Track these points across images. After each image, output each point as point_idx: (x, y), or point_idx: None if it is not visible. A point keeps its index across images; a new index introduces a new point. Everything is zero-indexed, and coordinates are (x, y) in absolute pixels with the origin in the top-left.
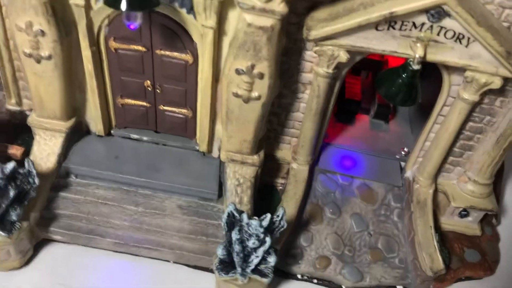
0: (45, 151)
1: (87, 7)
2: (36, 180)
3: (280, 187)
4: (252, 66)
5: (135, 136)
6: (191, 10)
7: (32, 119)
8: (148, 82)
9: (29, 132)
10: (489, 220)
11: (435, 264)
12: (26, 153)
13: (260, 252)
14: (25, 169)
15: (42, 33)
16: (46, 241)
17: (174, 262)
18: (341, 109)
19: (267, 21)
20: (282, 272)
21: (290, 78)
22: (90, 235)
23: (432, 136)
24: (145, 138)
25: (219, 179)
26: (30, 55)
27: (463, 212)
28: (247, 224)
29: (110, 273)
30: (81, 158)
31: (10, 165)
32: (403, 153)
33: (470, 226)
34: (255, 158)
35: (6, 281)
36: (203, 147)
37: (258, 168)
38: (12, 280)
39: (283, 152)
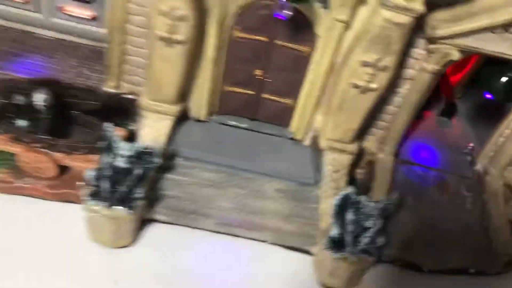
0: (154, 133)
1: None
2: (157, 160)
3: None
4: (379, 59)
5: (233, 123)
6: (325, 4)
7: (144, 102)
8: (259, 71)
9: (122, 115)
10: None
11: (510, 249)
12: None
13: (371, 233)
14: (149, 149)
15: (183, 18)
16: (149, 220)
17: (271, 243)
18: None
19: (405, 18)
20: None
21: (397, 74)
22: (193, 215)
23: (507, 132)
24: (242, 125)
25: (315, 166)
26: (163, 39)
27: None
28: (367, 205)
29: (211, 252)
30: (187, 141)
31: (139, 145)
32: (469, 147)
33: None
34: (353, 147)
35: (115, 258)
36: (299, 135)
37: (354, 156)
38: (120, 257)
39: (367, 143)
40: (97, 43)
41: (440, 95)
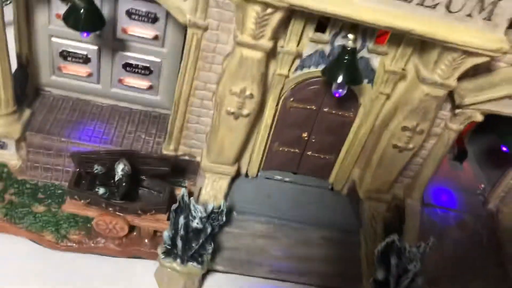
0: (214, 191)
1: (287, 76)
2: (224, 218)
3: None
4: (417, 125)
5: (278, 177)
6: (371, 80)
7: (205, 164)
8: (306, 133)
9: (178, 175)
10: None
11: None
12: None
13: (412, 274)
14: (219, 209)
15: (251, 96)
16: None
17: (317, 286)
18: None
19: (441, 92)
20: None
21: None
22: (248, 264)
23: None
24: (286, 179)
25: (355, 214)
26: (232, 113)
27: None
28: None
29: None
30: (240, 196)
31: (211, 206)
32: (481, 188)
33: None
34: (389, 197)
35: None
36: (338, 187)
37: (388, 204)
38: None
39: (395, 190)
40: (150, 109)
41: (457, 144)
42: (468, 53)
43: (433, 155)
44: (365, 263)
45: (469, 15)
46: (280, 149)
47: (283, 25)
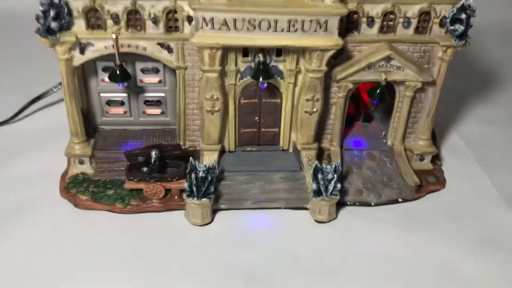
0: (210, 160)
1: (235, 84)
2: (217, 171)
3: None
4: (313, 96)
5: (248, 149)
6: (282, 77)
7: (202, 147)
8: (257, 117)
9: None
10: (436, 160)
11: (414, 179)
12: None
13: (333, 182)
14: (212, 165)
15: (217, 99)
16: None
17: (284, 208)
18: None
19: (319, 74)
20: (338, 202)
21: (326, 102)
22: (239, 201)
23: (396, 119)
24: (253, 149)
25: (298, 160)
26: (209, 111)
27: (420, 157)
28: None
29: (253, 219)
30: (227, 162)
31: (208, 163)
32: (384, 134)
33: (426, 164)
34: (315, 145)
35: (205, 229)
36: (286, 147)
37: (316, 150)
38: (208, 228)
39: (324, 144)
40: (164, 127)
41: (362, 111)
42: (322, 50)
43: (336, 115)
44: (308, 188)
45: (315, 31)
46: (244, 131)
47: (225, 55)
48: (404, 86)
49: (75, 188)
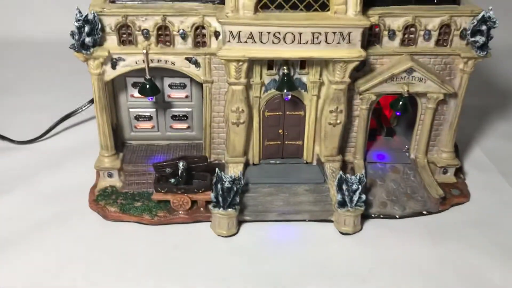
0: (236, 173)
1: (259, 97)
2: (242, 182)
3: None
4: (337, 108)
5: (272, 162)
6: (305, 89)
7: (227, 159)
8: (281, 130)
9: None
10: (460, 174)
11: (438, 191)
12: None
13: (357, 193)
14: (237, 176)
15: (242, 111)
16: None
17: (309, 220)
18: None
19: (342, 86)
20: (363, 215)
21: (349, 114)
22: (264, 213)
23: (419, 132)
24: (277, 162)
25: (321, 172)
26: (234, 123)
27: (444, 170)
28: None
29: (278, 230)
30: (252, 175)
31: (233, 174)
32: (406, 147)
33: (450, 177)
34: (339, 157)
35: (230, 240)
36: (308, 159)
37: (340, 162)
38: (232, 239)
39: (347, 156)
40: (190, 141)
41: (383, 125)
42: (345, 62)
43: (360, 128)
44: (333, 200)
45: (339, 43)
46: (268, 143)
47: (250, 68)
48: (426, 98)
49: (104, 200)
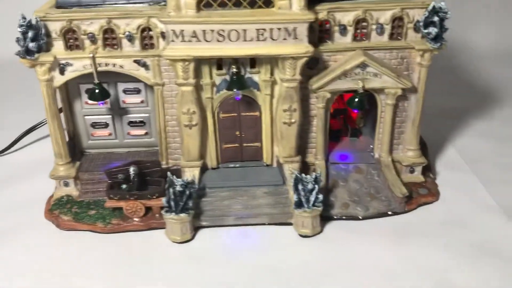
0: (190, 177)
1: (211, 98)
2: (196, 186)
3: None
4: (290, 106)
5: (231, 165)
6: (258, 88)
7: (183, 163)
8: (238, 132)
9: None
10: (429, 173)
11: (402, 189)
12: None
13: (314, 193)
14: (190, 180)
15: (194, 112)
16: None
17: (268, 224)
18: (332, 135)
19: (294, 84)
20: (324, 216)
21: (306, 113)
22: (221, 217)
23: (381, 130)
24: (237, 165)
25: (280, 174)
26: (186, 126)
27: (410, 169)
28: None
29: (236, 235)
30: (209, 179)
31: (187, 179)
32: (371, 147)
33: (417, 176)
34: (297, 158)
35: (185, 246)
36: (268, 161)
37: (299, 163)
38: (187, 245)
39: (309, 158)
40: (149, 148)
41: (349, 126)
42: (294, 58)
43: (318, 127)
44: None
45: (285, 39)
46: (226, 146)
47: (199, 68)
48: (384, 94)
49: (58, 209)
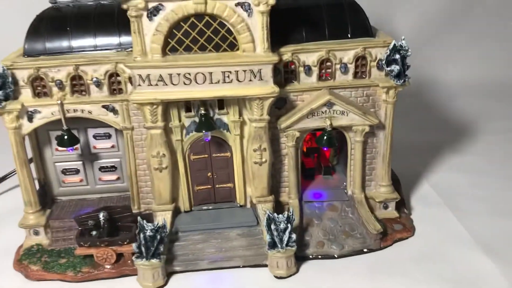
0: (161, 221)
1: (181, 140)
2: (167, 230)
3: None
4: (260, 146)
5: (204, 208)
6: (228, 129)
7: (154, 207)
8: (210, 173)
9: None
10: (403, 209)
11: (376, 226)
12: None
13: (287, 233)
14: (162, 224)
15: (164, 155)
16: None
17: (243, 266)
18: (306, 174)
19: (262, 123)
20: (299, 256)
21: (277, 152)
22: (194, 261)
23: (352, 167)
24: (210, 207)
25: (254, 215)
26: (157, 169)
27: (384, 205)
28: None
29: (210, 281)
30: (181, 222)
31: (158, 223)
32: (344, 184)
33: (391, 212)
34: (270, 198)
35: None
36: (241, 202)
37: (272, 203)
38: None
39: (282, 197)
40: (122, 193)
41: (322, 164)
42: (260, 98)
43: (290, 166)
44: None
45: (251, 80)
46: (198, 188)
47: (167, 111)
48: (353, 132)
49: (27, 259)
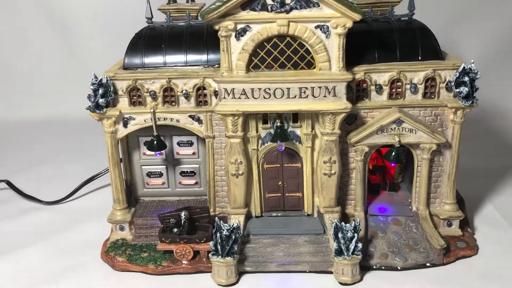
0: (236, 223)
1: (257, 149)
2: (240, 231)
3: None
4: (330, 158)
5: (274, 214)
6: (300, 141)
7: (229, 211)
8: (280, 182)
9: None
10: (467, 228)
11: (440, 241)
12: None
13: (353, 241)
14: (236, 225)
15: (241, 163)
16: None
17: (309, 271)
18: (371, 189)
19: (333, 137)
20: (363, 266)
21: (345, 166)
22: (264, 263)
23: (418, 184)
24: (279, 214)
25: (321, 223)
26: (234, 175)
27: (448, 222)
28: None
29: (278, 283)
30: (253, 226)
31: (233, 224)
32: (409, 200)
33: (455, 230)
34: (337, 208)
35: None
36: (309, 211)
37: (339, 213)
38: None
39: (348, 209)
40: (198, 197)
41: (388, 180)
42: (333, 113)
43: (357, 180)
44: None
45: (325, 96)
46: (269, 195)
47: (246, 122)
48: (420, 149)
49: (114, 251)
